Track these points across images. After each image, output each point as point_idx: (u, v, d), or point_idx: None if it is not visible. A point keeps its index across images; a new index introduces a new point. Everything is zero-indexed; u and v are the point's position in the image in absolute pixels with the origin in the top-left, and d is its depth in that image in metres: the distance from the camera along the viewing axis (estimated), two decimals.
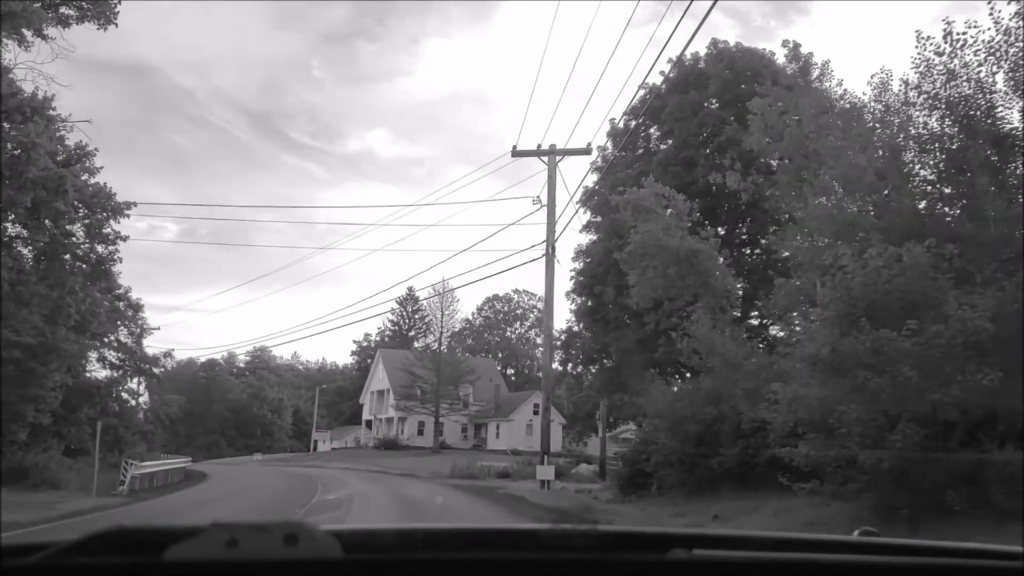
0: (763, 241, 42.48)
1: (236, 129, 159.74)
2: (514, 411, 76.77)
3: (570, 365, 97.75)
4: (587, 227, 59.06)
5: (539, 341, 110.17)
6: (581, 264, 57.81)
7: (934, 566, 1.72)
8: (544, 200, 28.85)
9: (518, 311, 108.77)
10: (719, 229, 42.66)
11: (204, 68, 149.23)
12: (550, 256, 28.64)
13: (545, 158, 29.24)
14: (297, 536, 1.37)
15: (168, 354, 52.75)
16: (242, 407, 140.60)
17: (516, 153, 29.43)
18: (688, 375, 38.61)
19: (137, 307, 44.49)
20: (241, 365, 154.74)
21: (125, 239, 31.57)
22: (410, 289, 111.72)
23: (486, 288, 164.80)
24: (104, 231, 30.92)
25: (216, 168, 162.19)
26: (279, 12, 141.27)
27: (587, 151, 29.27)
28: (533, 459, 57.67)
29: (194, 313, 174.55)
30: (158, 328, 77.80)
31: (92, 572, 1.41)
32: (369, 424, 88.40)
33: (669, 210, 29.23)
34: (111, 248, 31.84)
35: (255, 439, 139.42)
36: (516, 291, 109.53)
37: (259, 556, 1.36)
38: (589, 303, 55.76)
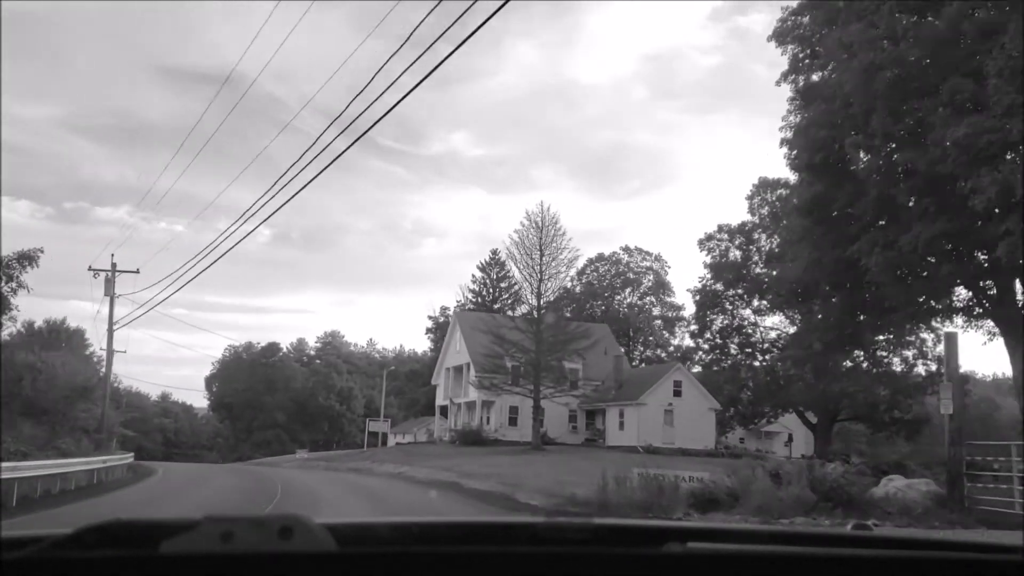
0: None
1: (324, 135, 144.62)
2: (646, 392, 51.54)
3: (708, 335, 71.75)
4: (800, 63, 33.31)
5: (656, 312, 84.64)
6: (799, 118, 31.93)
7: (928, 559, 1.63)
8: None
9: (628, 275, 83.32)
10: None
11: (292, 76, 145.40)
12: None
13: None
14: (292, 529, 1.32)
15: (27, 256, 29.22)
16: (307, 397, 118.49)
17: None
18: None
19: None
20: (311, 352, 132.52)
21: None
22: (494, 252, 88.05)
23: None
24: None
25: (305, 173, 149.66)
26: (362, 17, 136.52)
27: None
28: (696, 461, 32.83)
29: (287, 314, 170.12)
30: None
31: (86, 565, 1.33)
32: (444, 411, 64.17)
33: None
34: None
35: (321, 434, 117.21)
36: (625, 249, 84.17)
37: (254, 549, 1.31)
38: (814, 187, 29.96)
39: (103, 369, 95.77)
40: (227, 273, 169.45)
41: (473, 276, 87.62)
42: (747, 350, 71.96)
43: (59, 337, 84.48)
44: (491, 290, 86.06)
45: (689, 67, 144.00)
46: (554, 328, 50.37)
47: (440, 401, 64.91)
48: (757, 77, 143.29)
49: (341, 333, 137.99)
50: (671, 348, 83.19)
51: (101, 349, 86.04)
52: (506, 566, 1.46)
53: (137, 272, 44.24)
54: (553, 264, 49.76)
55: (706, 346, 70.81)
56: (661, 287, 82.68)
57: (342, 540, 1.36)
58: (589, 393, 53.49)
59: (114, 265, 43.50)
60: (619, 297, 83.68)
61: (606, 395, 53.60)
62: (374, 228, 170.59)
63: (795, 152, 31.58)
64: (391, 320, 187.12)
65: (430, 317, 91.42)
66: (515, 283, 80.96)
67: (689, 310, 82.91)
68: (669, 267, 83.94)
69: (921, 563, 1.60)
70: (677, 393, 52.23)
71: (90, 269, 43.26)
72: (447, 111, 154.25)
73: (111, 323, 43.61)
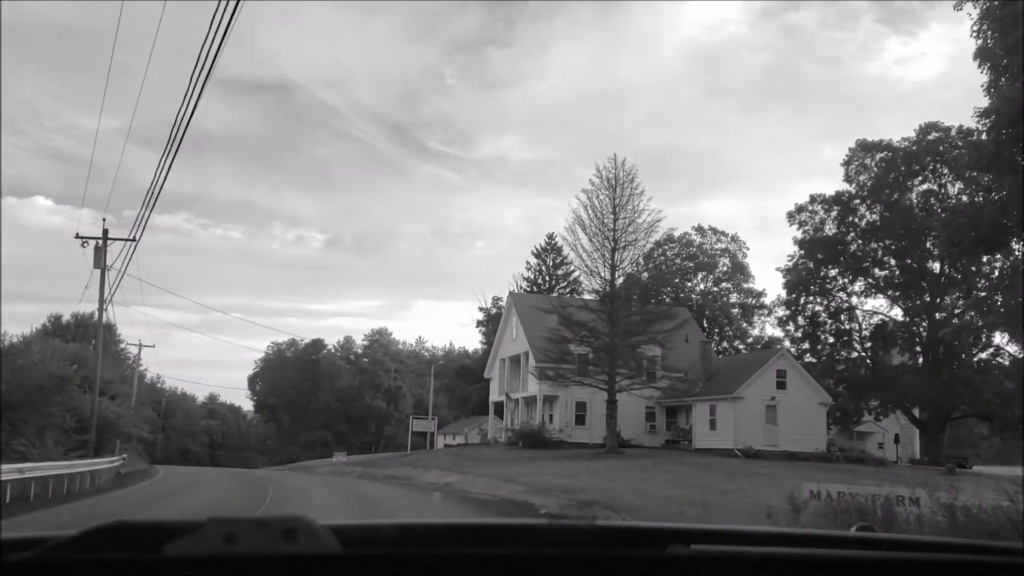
0: None
1: (376, 141, 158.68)
2: (744, 384, 42.32)
3: (800, 322, 61.90)
4: None
5: (734, 299, 75.00)
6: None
7: (930, 561, 1.62)
8: None
9: (701, 258, 73.81)
10: None
11: (345, 83, 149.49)
12: None
13: None
14: (296, 531, 1.30)
15: None
16: (352, 397, 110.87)
17: None
18: None
19: None
20: (358, 351, 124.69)
21: None
22: (550, 237, 79.31)
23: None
24: None
25: (358, 179, 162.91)
26: (412, 24, 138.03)
27: None
28: (817, 467, 23.94)
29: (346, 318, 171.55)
30: None
31: (90, 567, 1.32)
32: (499, 409, 55.52)
33: None
34: None
35: (368, 435, 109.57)
36: (698, 229, 74.64)
37: (258, 551, 1.30)
38: None
39: (141, 366, 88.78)
40: (282, 278, 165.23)
41: (527, 263, 79.03)
42: (843, 338, 62.28)
43: (86, 332, 77.72)
44: (547, 278, 77.52)
45: (739, 66, 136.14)
46: (630, 305, 41.40)
47: (494, 397, 56.31)
48: (809, 75, 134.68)
49: (389, 330, 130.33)
50: (750, 339, 73.64)
51: (130, 344, 79.50)
52: (510, 568, 1.44)
53: (133, 240, 36.54)
54: (630, 229, 40.81)
55: (798, 334, 61.24)
56: (739, 271, 73.02)
57: (346, 542, 1.33)
58: (677, 385, 44.01)
59: (105, 232, 35.88)
60: (690, 283, 74.30)
61: (692, 388, 44.45)
62: (425, 232, 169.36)
63: (990, 45, 22.30)
64: (442, 324, 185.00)
65: (481, 308, 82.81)
66: (574, 270, 72.39)
67: (771, 296, 73.45)
68: (747, 248, 74.16)
69: (924, 565, 1.58)
70: (781, 385, 42.83)
71: (77, 237, 35.68)
72: (496, 115, 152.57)
73: (101, 299, 36.02)
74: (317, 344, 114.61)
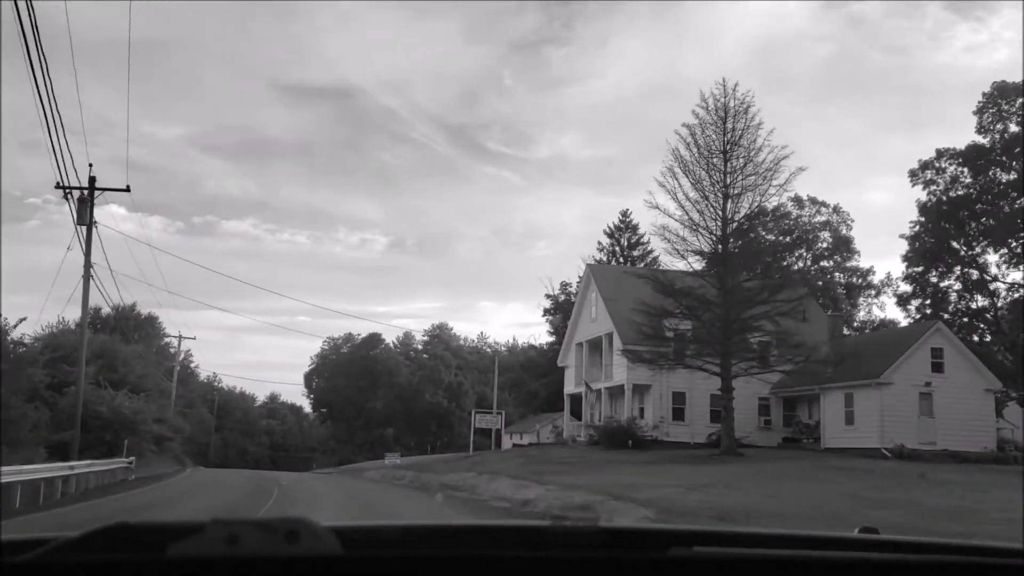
0: None
1: (436, 143, 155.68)
2: (891, 367, 32.79)
3: (927, 298, 51.41)
4: None
5: (839, 277, 64.80)
6: None
7: (934, 563, 1.60)
8: None
9: (797, 232, 63.81)
10: None
11: (405, 87, 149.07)
12: None
13: None
14: (299, 533, 1.29)
15: None
16: (412, 394, 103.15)
17: None
18: None
19: None
20: (418, 347, 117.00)
21: None
22: (624, 214, 70.37)
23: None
24: None
25: (419, 182, 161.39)
26: (471, 27, 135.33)
27: None
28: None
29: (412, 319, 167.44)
30: None
31: (92, 569, 1.30)
32: (575, 403, 46.64)
33: None
34: None
35: (429, 434, 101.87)
36: (795, 200, 64.47)
37: (260, 553, 1.28)
38: None
39: (193, 363, 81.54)
40: (347, 281, 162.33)
41: (599, 243, 70.30)
42: (976, 317, 52.15)
43: (126, 324, 71.38)
44: (621, 259, 68.61)
45: (802, 58, 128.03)
46: (742, 267, 32.34)
47: (570, 388, 47.48)
48: (875, 65, 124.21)
49: (449, 325, 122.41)
50: (855, 324, 63.51)
51: (173, 336, 72.81)
52: (513, 570, 1.42)
53: (127, 190, 29.01)
54: (747, 170, 31.76)
55: (919, 315, 51.24)
56: (843, 246, 62.92)
57: (348, 543, 1.32)
58: (809, 368, 33.88)
59: (92, 180, 28.30)
60: (786, 262, 64.30)
61: (821, 373, 34.96)
62: (486, 233, 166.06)
63: None
64: (505, 324, 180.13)
65: (548, 295, 74.07)
66: (651, 249, 63.44)
67: (879, 275, 63.33)
68: (852, 220, 63.92)
69: (926, 567, 1.56)
70: (937, 367, 33.21)
71: (58, 187, 28.14)
72: (555, 114, 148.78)
73: (87, 262, 28.43)
74: (374, 339, 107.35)
